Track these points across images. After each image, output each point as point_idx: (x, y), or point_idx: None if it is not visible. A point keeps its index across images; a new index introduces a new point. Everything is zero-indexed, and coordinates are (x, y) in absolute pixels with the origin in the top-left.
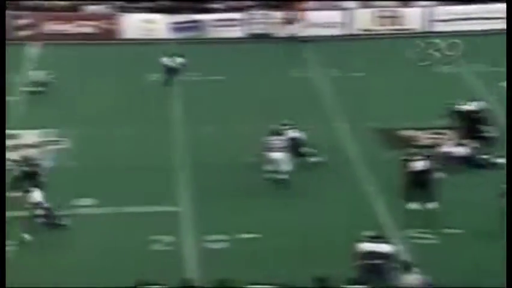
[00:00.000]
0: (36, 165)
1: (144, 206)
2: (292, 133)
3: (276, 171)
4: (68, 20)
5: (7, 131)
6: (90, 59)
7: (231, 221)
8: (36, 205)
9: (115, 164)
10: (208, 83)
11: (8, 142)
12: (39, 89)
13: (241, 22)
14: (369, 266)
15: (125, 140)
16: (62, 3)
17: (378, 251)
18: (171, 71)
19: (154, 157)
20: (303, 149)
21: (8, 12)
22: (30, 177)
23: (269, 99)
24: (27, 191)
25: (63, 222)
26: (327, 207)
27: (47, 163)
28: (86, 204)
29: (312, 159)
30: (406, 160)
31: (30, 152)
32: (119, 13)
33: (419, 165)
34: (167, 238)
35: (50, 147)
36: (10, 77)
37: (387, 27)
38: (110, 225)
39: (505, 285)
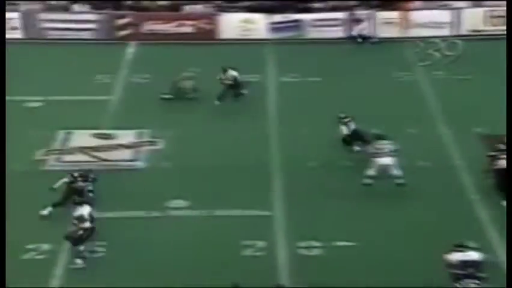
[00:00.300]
0: (86, 178)
1: (236, 210)
2: (352, 125)
3: (375, 177)
4: (168, 19)
5: (102, 131)
6: (187, 59)
7: (325, 227)
8: (83, 220)
9: (208, 165)
10: (306, 84)
11: (102, 142)
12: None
13: (342, 22)
14: (462, 275)
15: (218, 140)
16: (162, 2)
17: (469, 260)
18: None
19: (248, 158)
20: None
21: (108, 12)
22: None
23: (369, 102)
24: (77, 204)
25: None
26: (428, 215)
27: (140, 164)
28: (178, 206)
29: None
30: (493, 157)
31: (126, 153)
32: (218, 12)
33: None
34: (259, 243)
35: (144, 147)
36: (108, 77)
37: (499, 28)
38: (202, 228)
39: (506, 286)
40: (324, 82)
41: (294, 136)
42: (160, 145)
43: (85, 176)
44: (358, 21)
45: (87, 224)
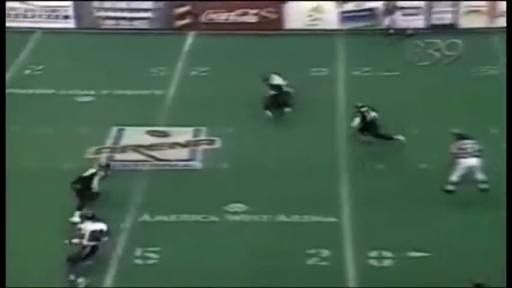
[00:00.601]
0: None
1: (299, 216)
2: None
3: (457, 182)
4: (230, 8)
5: (157, 128)
6: (248, 51)
7: (397, 236)
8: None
9: (268, 166)
10: (379, 79)
11: (157, 140)
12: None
13: (422, 11)
14: None
15: (280, 139)
16: None
17: None
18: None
19: (313, 160)
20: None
21: (166, 3)
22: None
23: (451, 99)
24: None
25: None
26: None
27: (197, 164)
28: (237, 211)
29: None
30: None
31: (182, 152)
32: (284, 0)
33: None
34: (324, 252)
35: (201, 146)
36: (164, 70)
37: None
38: (262, 235)
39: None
40: (401, 76)
41: None
42: (217, 144)
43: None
44: (391, 11)
45: (91, 242)
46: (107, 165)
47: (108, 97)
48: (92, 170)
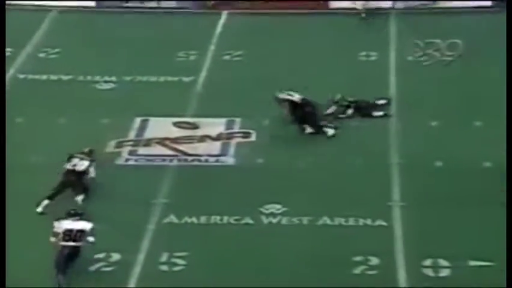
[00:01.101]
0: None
1: (345, 218)
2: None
3: None
4: None
5: (185, 119)
6: (288, 33)
7: (456, 243)
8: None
9: (309, 162)
10: (438, 65)
11: (185, 132)
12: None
13: None
14: None
15: (321, 133)
16: None
17: None
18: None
19: (360, 155)
20: None
21: None
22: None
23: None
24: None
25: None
26: None
27: (230, 160)
28: (274, 212)
29: None
30: None
31: (213, 146)
32: None
33: None
34: (373, 260)
35: (235, 140)
36: (194, 54)
37: None
38: (302, 239)
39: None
40: (463, 62)
41: (419, 131)
42: (253, 137)
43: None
44: None
45: (67, 243)
46: (90, 151)
47: (131, 84)
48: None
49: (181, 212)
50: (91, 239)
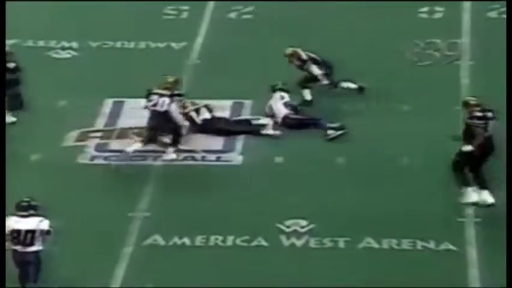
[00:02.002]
0: None
1: (396, 239)
2: None
3: None
4: None
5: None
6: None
7: None
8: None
9: (343, 164)
10: None
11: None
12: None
13: None
14: None
15: (362, 123)
16: None
17: None
18: None
19: (415, 156)
20: None
21: None
22: None
23: None
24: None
25: None
26: None
27: (237, 157)
28: (296, 230)
29: None
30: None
31: (214, 138)
32: None
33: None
34: None
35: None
36: (188, 10)
37: None
38: (337, 269)
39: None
40: None
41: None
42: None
43: None
44: None
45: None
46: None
47: (99, 52)
48: None
49: (169, 230)
50: (47, 238)
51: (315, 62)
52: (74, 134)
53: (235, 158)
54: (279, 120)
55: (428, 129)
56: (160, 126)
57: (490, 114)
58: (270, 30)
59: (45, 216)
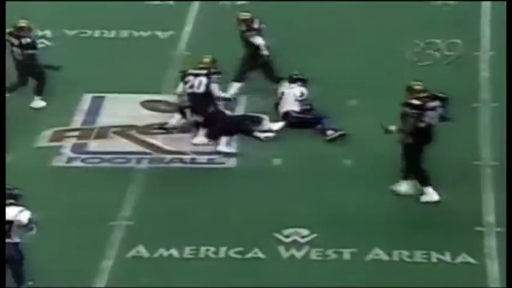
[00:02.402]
0: None
1: (409, 251)
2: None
3: None
4: None
5: (161, 96)
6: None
7: None
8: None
9: (349, 166)
10: None
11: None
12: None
13: None
14: None
15: (370, 121)
16: None
17: None
18: None
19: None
20: None
21: None
22: None
23: None
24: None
25: None
26: None
27: (230, 159)
28: (295, 240)
29: None
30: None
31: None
32: None
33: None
34: None
35: None
36: None
37: None
38: (342, 279)
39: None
40: None
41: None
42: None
43: None
44: None
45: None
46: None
47: (76, 41)
48: None
49: (154, 241)
50: (30, 233)
51: (259, 34)
52: (48, 133)
53: (229, 160)
54: (281, 111)
55: None
56: (200, 109)
57: (433, 103)
58: (267, 19)
59: (25, 207)
